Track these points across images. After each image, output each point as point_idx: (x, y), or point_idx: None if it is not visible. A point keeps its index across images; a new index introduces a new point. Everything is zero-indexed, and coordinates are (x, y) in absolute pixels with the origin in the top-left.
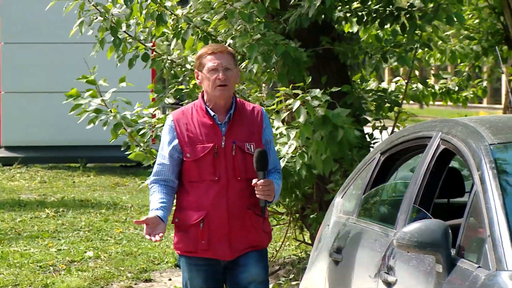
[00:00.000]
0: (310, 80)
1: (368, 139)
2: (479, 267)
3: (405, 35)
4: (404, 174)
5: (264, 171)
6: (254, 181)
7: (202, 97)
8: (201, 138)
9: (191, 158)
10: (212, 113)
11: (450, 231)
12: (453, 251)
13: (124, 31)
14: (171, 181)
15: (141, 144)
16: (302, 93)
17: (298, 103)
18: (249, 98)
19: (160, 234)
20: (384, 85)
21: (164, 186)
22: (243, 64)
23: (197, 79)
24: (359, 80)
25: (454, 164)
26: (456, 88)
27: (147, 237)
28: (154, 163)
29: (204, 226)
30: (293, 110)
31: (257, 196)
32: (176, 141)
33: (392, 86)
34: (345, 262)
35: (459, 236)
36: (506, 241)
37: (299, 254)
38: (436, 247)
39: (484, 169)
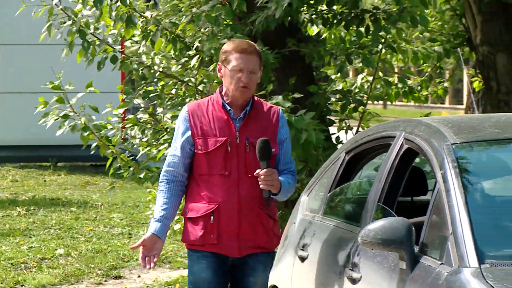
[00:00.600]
0: (271, 86)
1: (334, 140)
2: (442, 263)
3: (370, 37)
4: (369, 173)
5: (266, 160)
6: (257, 171)
7: (220, 91)
8: (214, 132)
9: (202, 151)
10: (228, 108)
11: (413, 228)
12: (416, 248)
13: (92, 34)
14: (180, 175)
15: (112, 148)
16: (265, 100)
17: None
18: None
19: (155, 259)
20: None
21: (172, 183)
22: (211, 67)
23: (219, 72)
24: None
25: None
26: (419, 88)
27: (142, 263)
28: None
29: (214, 219)
30: None
31: (260, 186)
32: (189, 133)
33: (358, 81)
34: (311, 259)
35: (422, 234)
36: (468, 238)
37: None
38: (399, 244)
39: (447, 168)
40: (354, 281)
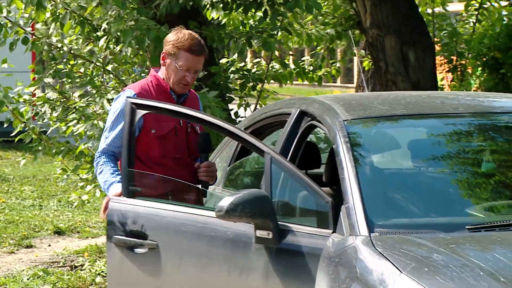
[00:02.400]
0: None
1: (233, 116)
2: (334, 232)
3: (269, 21)
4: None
5: (207, 153)
6: (197, 163)
7: (158, 75)
8: (164, 116)
9: (156, 134)
10: (173, 93)
11: (271, 199)
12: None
13: (5, 17)
14: (119, 154)
15: (24, 121)
16: None
17: None
18: (123, 78)
19: None
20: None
21: (111, 156)
22: (118, 48)
23: (163, 60)
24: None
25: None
26: (311, 68)
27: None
28: (34, 139)
29: (172, 199)
30: None
31: (200, 178)
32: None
33: (255, 67)
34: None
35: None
36: (359, 208)
37: None
38: (265, 214)
39: (339, 143)
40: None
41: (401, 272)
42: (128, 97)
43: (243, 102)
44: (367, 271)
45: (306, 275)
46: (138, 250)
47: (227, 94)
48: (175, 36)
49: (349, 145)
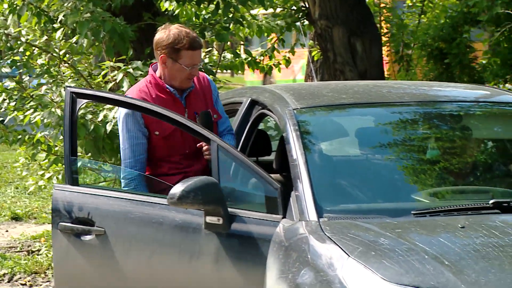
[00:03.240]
0: (132, 53)
1: None
2: (284, 217)
3: (221, 12)
4: None
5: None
6: (199, 144)
7: (155, 74)
8: None
9: (160, 135)
10: (171, 89)
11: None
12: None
13: None
14: (144, 159)
15: None
16: (124, 65)
17: (121, 74)
18: (79, 68)
19: None
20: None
21: (140, 176)
22: (74, 39)
23: (163, 63)
24: None
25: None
26: (262, 58)
27: None
28: None
29: None
30: (117, 81)
31: (205, 158)
32: (142, 120)
33: (207, 57)
34: None
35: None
36: (308, 195)
37: None
38: (215, 201)
39: (289, 131)
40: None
41: (349, 256)
42: (67, 86)
43: None
44: (316, 255)
45: (257, 260)
46: (85, 237)
47: None
48: (171, 37)
49: (298, 133)
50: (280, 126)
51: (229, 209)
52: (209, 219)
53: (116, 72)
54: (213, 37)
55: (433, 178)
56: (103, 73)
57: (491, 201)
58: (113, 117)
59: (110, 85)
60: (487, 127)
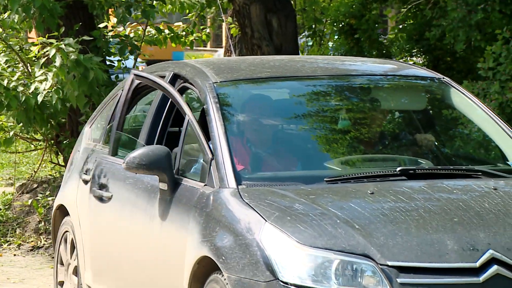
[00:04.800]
0: (63, 29)
1: (114, 78)
2: (206, 185)
3: None
4: (143, 107)
5: None
6: None
7: None
8: None
9: None
10: None
11: (171, 155)
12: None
13: None
14: None
15: None
16: (57, 41)
17: (54, 50)
18: (10, 43)
19: None
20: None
21: None
22: (6, 15)
23: None
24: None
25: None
26: (184, 33)
27: None
28: None
29: None
30: (50, 56)
31: None
32: None
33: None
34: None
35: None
36: (228, 163)
37: (54, 174)
38: (161, 168)
39: (209, 103)
40: (102, 199)
41: (266, 221)
42: (131, 70)
43: (121, 65)
44: (235, 220)
45: (184, 224)
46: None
47: (108, 58)
48: None
49: (218, 105)
50: (201, 98)
51: (177, 177)
52: (161, 185)
53: (48, 48)
54: (139, 14)
55: (344, 147)
56: (36, 48)
57: (398, 169)
58: (44, 89)
59: (42, 60)
60: (394, 99)
